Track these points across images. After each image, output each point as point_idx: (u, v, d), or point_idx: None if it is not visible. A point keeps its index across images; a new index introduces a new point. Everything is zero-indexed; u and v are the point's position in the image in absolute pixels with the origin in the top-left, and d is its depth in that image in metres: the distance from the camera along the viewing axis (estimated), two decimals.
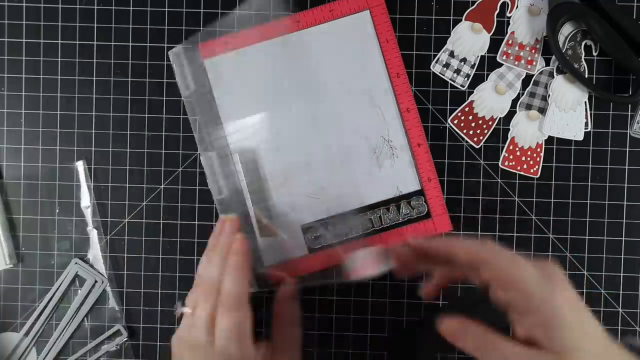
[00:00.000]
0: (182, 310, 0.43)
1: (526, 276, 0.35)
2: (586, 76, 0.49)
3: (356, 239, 0.49)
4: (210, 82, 0.50)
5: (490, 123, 0.50)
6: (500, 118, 0.50)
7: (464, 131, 0.50)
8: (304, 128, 0.50)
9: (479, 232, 0.50)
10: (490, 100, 0.50)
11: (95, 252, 0.51)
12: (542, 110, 0.50)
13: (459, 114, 0.50)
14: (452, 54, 0.50)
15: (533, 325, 0.34)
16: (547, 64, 0.50)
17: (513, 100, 0.50)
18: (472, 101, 0.50)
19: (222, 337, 0.40)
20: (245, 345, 0.40)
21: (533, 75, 0.50)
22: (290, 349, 0.45)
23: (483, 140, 0.50)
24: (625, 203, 0.50)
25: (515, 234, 0.50)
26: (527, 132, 0.50)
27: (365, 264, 0.42)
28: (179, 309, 0.43)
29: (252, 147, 0.50)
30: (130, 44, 0.51)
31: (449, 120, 0.50)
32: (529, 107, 0.50)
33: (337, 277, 0.49)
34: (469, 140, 0.50)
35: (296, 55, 0.49)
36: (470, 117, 0.50)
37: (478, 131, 0.50)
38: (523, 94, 0.50)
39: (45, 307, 0.50)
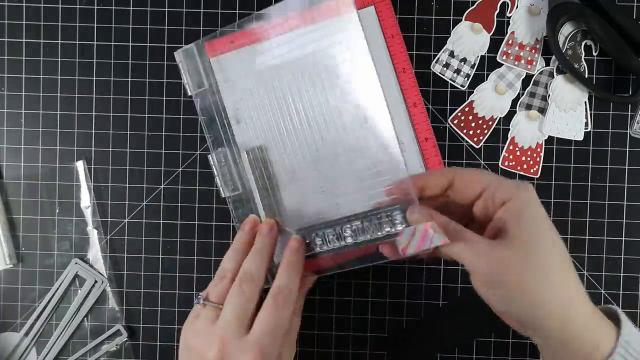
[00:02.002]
0: (207, 302, 0.42)
1: (494, 177, 0.39)
2: (586, 76, 0.49)
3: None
4: (217, 81, 0.50)
5: (490, 123, 0.50)
6: (500, 118, 0.50)
7: (464, 131, 0.50)
8: (310, 125, 0.49)
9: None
10: (490, 100, 0.50)
11: (95, 252, 0.51)
12: (542, 110, 0.50)
13: (459, 114, 0.50)
14: (452, 54, 0.50)
15: (506, 213, 0.37)
16: (547, 64, 0.50)
17: (513, 100, 0.50)
18: (472, 101, 0.50)
19: (262, 331, 0.40)
20: (279, 342, 0.41)
21: (533, 75, 0.50)
22: (292, 339, 0.45)
23: (483, 140, 0.50)
24: (625, 203, 0.50)
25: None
26: (527, 132, 0.50)
27: (416, 240, 0.41)
28: (201, 301, 0.43)
29: (259, 145, 0.50)
30: (130, 44, 0.51)
31: (449, 120, 0.50)
32: (529, 107, 0.50)
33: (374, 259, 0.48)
34: (469, 140, 0.50)
35: (302, 52, 0.49)
36: (470, 117, 0.50)
37: (478, 131, 0.50)
38: (523, 94, 0.50)
39: (45, 307, 0.50)
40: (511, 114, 0.50)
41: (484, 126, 0.50)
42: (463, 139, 0.50)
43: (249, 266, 0.43)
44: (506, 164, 0.50)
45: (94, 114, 0.51)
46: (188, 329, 0.43)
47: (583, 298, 0.37)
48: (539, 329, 0.38)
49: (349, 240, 0.46)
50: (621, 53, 0.48)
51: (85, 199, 0.51)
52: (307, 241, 0.48)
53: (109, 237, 0.51)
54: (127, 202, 0.51)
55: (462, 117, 0.50)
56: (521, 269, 0.36)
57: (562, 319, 0.36)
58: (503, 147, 0.50)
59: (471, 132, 0.50)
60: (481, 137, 0.50)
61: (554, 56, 0.49)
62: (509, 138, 0.50)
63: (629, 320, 0.39)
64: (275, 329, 0.40)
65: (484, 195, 0.39)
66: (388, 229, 0.45)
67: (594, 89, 0.49)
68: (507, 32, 0.50)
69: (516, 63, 0.50)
